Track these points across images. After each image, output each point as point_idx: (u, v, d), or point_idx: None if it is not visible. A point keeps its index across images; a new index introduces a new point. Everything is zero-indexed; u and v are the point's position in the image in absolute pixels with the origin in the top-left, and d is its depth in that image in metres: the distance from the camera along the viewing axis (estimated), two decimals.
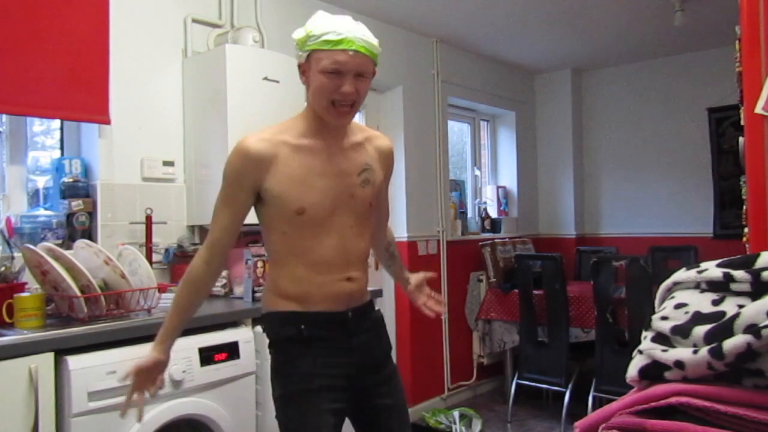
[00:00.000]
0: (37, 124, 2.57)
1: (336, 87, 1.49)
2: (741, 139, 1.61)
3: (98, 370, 1.79)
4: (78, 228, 2.42)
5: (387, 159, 1.74)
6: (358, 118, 2.08)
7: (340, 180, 1.59)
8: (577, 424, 0.94)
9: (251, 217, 2.70)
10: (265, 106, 2.68)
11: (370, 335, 1.68)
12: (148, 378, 1.56)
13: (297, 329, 1.58)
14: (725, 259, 0.98)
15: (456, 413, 3.71)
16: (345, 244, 1.60)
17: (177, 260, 2.67)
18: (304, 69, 1.55)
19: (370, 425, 1.70)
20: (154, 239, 2.60)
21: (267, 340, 1.68)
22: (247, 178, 1.55)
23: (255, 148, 1.54)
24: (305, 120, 1.61)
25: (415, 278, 1.93)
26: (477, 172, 5.04)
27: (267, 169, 1.54)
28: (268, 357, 2.21)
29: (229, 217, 1.60)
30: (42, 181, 2.49)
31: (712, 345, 0.84)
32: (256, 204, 1.61)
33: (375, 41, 1.54)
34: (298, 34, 1.54)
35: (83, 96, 2.40)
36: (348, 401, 1.62)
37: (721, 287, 0.94)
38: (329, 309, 1.59)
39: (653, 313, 1.00)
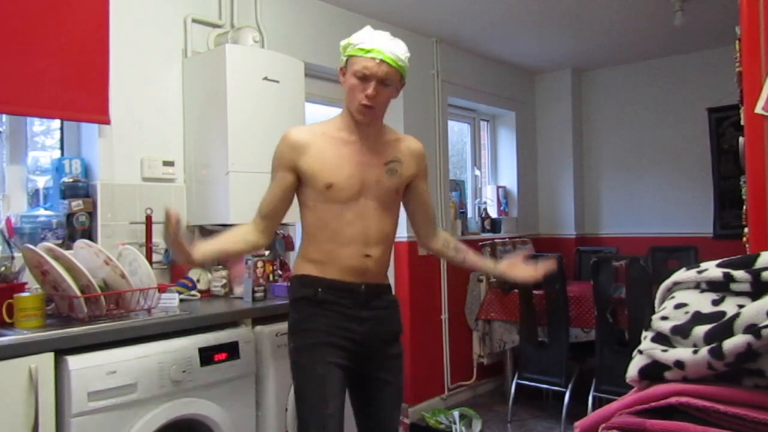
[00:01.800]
0: (37, 124, 2.57)
1: (362, 89, 1.75)
2: (741, 139, 1.61)
3: (98, 370, 1.79)
4: (78, 228, 2.42)
5: (418, 158, 1.98)
6: None
7: (368, 168, 1.84)
8: (577, 424, 0.94)
9: (248, 218, 2.69)
10: (265, 106, 2.68)
11: (381, 313, 1.88)
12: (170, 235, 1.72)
13: (314, 291, 1.82)
14: (725, 259, 0.97)
15: (456, 413, 3.71)
16: (367, 224, 1.83)
17: None
18: (343, 72, 1.82)
19: (364, 394, 1.90)
20: (154, 239, 2.60)
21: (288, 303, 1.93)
22: (285, 158, 1.84)
23: (294, 135, 1.86)
24: (342, 118, 1.88)
25: (507, 262, 2.04)
26: (477, 172, 5.04)
27: (302, 152, 1.82)
28: (268, 357, 2.24)
29: (275, 189, 1.87)
30: (42, 181, 2.49)
31: (712, 345, 0.84)
32: (298, 186, 1.87)
33: (404, 56, 1.78)
34: (343, 41, 1.81)
35: (83, 96, 2.40)
36: (352, 365, 1.83)
37: (721, 287, 0.94)
38: (345, 279, 1.82)
39: (653, 313, 1.00)
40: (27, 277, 2.11)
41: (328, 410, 1.75)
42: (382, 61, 1.73)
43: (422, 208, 2.04)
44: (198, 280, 2.63)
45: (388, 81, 1.77)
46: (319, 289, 1.82)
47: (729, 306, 0.91)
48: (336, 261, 1.82)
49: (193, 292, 2.56)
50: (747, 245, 1.59)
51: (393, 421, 1.92)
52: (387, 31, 1.80)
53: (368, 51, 1.73)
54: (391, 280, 3.73)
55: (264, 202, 1.89)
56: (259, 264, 2.46)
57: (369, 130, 1.86)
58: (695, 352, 0.86)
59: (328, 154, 1.82)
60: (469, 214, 4.81)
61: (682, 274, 1.01)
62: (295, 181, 1.85)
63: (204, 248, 1.80)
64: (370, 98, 1.75)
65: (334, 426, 1.76)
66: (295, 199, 1.91)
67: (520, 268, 1.98)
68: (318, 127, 1.89)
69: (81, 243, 2.19)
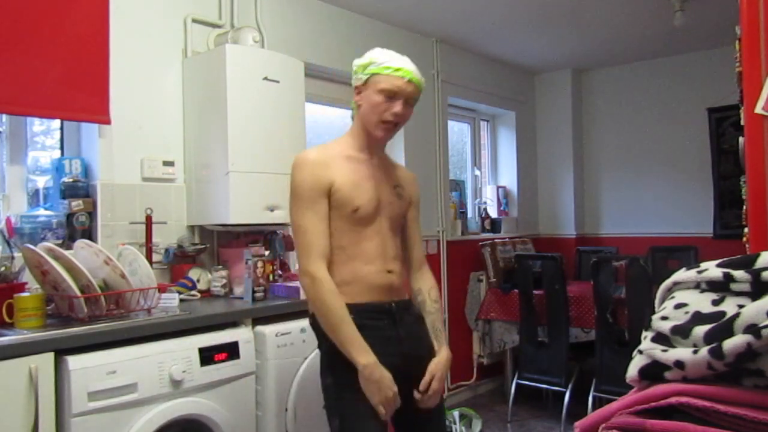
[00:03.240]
0: (37, 124, 2.57)
1: (388, 107, 1.75)
2: (741, 139, 1.61)
3: (98, 370, 1.79)
4: (78, 228, 2.42)
5: (412, 185, 1.98)
6: None
7: (382, 187, 1.83)
8: (577, 424, 0.94)
9: (251, 218, 2.69)
10: (265, 106, 2.68)
11: (413, 328, 1.84)
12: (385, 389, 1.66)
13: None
14: (725, 259, 0.97)
15: (456, 413, 3.71)
16: (384, 241, 1.81)
17: (177, 260, 2.67)
18: (360, 90, 1.81)
19: (407, 422, 1.82)
20: (154, 239, 2.60)
21: (315, 335, 1.80)
22: (320, 182, 1.73)
23: (314, 155, 1.78)
24: (352, 137, 1.86)
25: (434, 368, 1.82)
26: (477, 172, 5.04)
27: (332, 170, 1.75)
28: (268, 357, 2.23)
29: (319, 224, 1.73)
30: (42, 181, 2.49)
31: (712, 345, 0.84)
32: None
33: (422, 77, 1.81)
34: (361, 60, 1.80)
35: (83, 96, 2.40)
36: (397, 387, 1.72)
37: (721, 287, 0.94)
38: (375, 300, 1.76)
39: (653, 313, 1.00)
40: (27, 277, 2.11)
41: None
42: (410, 80, 1.75)
43: (410, 242, 1.95)
44: (198, 280, 2.63)
45: (412, 101, 1.80)
46: (353, 316, 1.67)
47: (729, 306, 0.91)
48: (362, 280, 1.75)
49: (193, 292, 2.56)
50: (747, 245, 1.59)
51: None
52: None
53: (397, 70, 1.74)
54: None
55: (317, 244, 1.70)
56: (259, 264, 2.46)
57: (378, 151, 1.87)
58: (695, 352, 0.86)
59: (349, 175, 1.77)
60: (469, 214, 4.81)
61: (682, 274, 1.01)
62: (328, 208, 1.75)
63: (365, 346, 1.66)
64: (398, 116, 1.76)
65: None
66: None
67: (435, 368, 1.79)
68: (327, 149, 1.82)
69: (81, 243, 2.19)
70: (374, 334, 1.70)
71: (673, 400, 0.84)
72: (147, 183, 2.65)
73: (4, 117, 2.39)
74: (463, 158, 5.01)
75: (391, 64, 1.75)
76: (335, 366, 1.70)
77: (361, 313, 1.71)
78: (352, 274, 1.75)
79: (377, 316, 1.75)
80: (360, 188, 1.76)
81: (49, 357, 1.74)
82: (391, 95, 1.75)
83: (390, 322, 1.77)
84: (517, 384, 3.92)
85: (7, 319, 1.90)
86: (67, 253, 2.01)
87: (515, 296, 3.98)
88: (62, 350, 1.77)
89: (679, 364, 0.87)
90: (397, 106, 1.75)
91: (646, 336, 0.96)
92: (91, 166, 2.54)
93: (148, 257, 2.51)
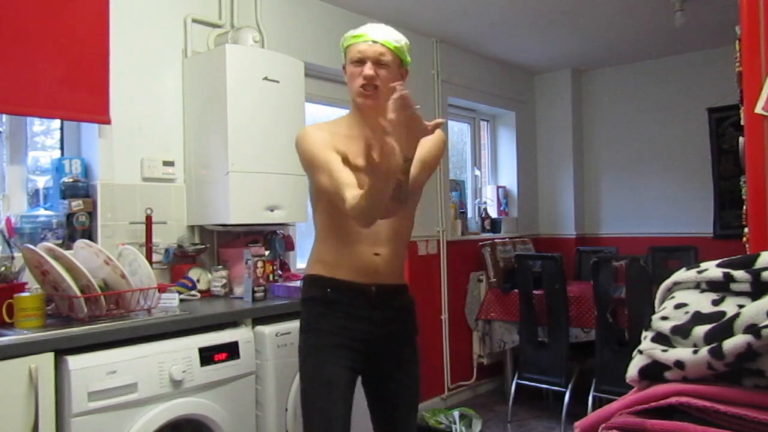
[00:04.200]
0: (37, 124, 2.57)
1: (360, 72, 1.76)
2: (741, 139, 1.61)
3: (98, 370, 1.79)
4: (78, 228, 2.42)
5: (427, 148, 1.83)
6: None
7: None
8: (577, 424, 0.94)
9: (251, 218, 2.69)
10: (265, 106, 2.68)
11: (394, 315, 1.84)
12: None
13: (323, 291, 1.80)
14: (725, 259, 0.97)
15: (456, 413, 3.71)
16: (377, 222, 1.72)
17: (177, 260, 2.67)
18: (344, 66, 1.83)
19: (380, 397, 1.87)
20: (154, 239, 2.60)
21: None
22: (327, 140, 1.75)
23: (315, 128, 1.82)
24: (351, 116, 1.87)
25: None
26: (477, 172, 5.04)
27: (334, 141, 1.75)
28: (268, 357, 2.24)
29: (337, 161, 1.65)
30: (42, 181, 2.49)
31: (712, 345, 0.84)
32: (311, 180, 1.80)
33: (397, 37, 1.79)
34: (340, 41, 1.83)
35: (83, 96, 2.40)
36: (364, 367, 1.80)
37: (721, 287, 0.94)
38: (354, 279, 1.78)
39: (653, 313, 1.00)
40: (27, 277, 2.11)
41: (334, 413, 1.72)
42: (374, 41, 1.75)
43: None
44: (198, 280, 2.63)
45: (384, 60, 1.76)
46: (328, 290, 1.79)
47: (729, 306, 0.91)
48: (346, 260, 1.78)
49: (193, 292, 2.56)
50: (747, 245, 1.59)
51: (410, 427, 1.88)
52: None
53: (360, 36, 1.77)
54: None
55: (342, 177, 1.62)
56: (259, 264, 2.46)
57: (372, 127, 1.78)
58: (695, 352, 0.86)
59: (343, 151, 1.70)
60: (469, 214, 4.81)
61: (682, 274, 1.01)
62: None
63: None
64: (367, 78, 1.74)
65: (339, 429, 1.72)
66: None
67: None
68: (325, 126, 1.85)
69: (81, 243, 2.19)
70: (346, 310, 1.77)
71: (673, 400, 0.84)
72: (147, 183, 2.65)
73: (4, 117, 2.39)
74: (463, 158, 5.01)
75: (354, 32, 1.79)
76: (305, 329, 1.81)
77: (337, 289, 1.78)
78: (337, 252, 1.79)
79: (352, 295, 1.78)
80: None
81: (49, 357, 1.74)
82: (359, 61, 1.76)
83: (364, 303, 1.78)
84: (517, 384, 3.92)
85: (7, 319, 1.90)
86: (67, 253, 2.01)
87: (515, 296, 3.98)
88: (62, 350, 1.77)
89: (679, 364, 0.87)
90: (366, 69, 1.74)
91: (646, 336, 0.96)
92: (91, 166, 2.54)
93: (148, 257, 2.51)
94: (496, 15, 3.83)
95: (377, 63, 1.75)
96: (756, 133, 1.53)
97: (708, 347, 0.84)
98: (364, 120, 1.80)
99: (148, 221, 2.58)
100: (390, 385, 1.86)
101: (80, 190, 2.49)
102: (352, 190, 1.61)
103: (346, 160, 1.55)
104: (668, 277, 1.04)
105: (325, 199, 1.77)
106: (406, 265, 1.98)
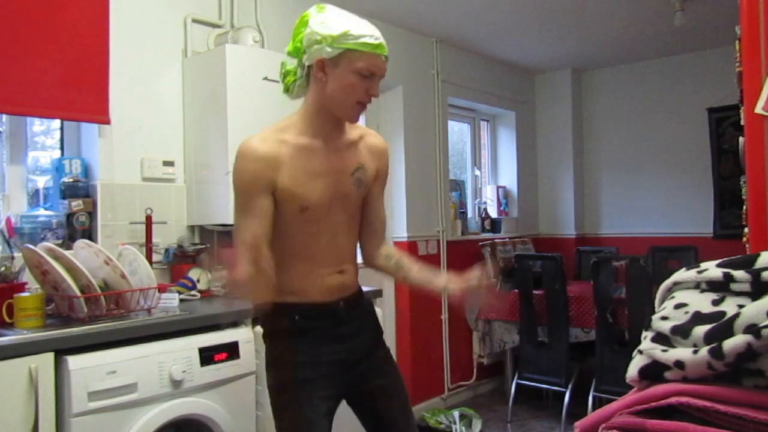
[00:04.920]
0: (37, 124, 2.57)
1: (365, 89, 1.54)
2: (741, 139, 1.61)
3: (98, 370, 1.79)
4: (78, 228, 2.42)
5: (380, 157, 1.74)
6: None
7: (336, 179, 1.61)
8: (577, 424, 0.94)
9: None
10: (265, 106, 2.68)
11: (361, 323, 1.72)
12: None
13: (291, 320, 1.61)
14: (725, 259, 0.97)
15: (456, 413, 3.71)
16: (338, 240, 1.65)
17: (177, 260, 2.67)
18: (324, 65, 1.53)
19: (370, 409, 1.73)
20: (154, 239, 2.60)
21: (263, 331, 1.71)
22: (263, 178, 1.53)
23: (262, 148, 1.54)
24: (303, 119, 1.62)
25: (459, 281, 1.67)
26: (477, 172, 5.04)
27: (278, 167, 1.53)
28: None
29: (256, 226, 1.52)
30: (42, 181, 2.49)
31: (712, 345, 0.84)
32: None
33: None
34: (326, 29, 1.52)
35: (83, 96, 2.40)
36: (344, 388, 1.66)
37: (721, 287, 0.94)
38: (321, 300, 1.63)
39: (653, 313, 1.00)
40: (27, 277, 2.12)
41: None
42: (386, 58, 1.56)
43: (374, 218, 1.76)
44: (198, 280, 2.63)
45: (383, 77, 1.61)
46: (296, 317, 1.61)
47: (729, 306, 0.91)
48: (312, 283, 1.62)
49: (193, 292, 2.56)
50: (747, 245, 1.59)
51: (410, 427, 1.75)
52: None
53: (375, 47, 1.52)
54: (390, 282, 3.75)
55: (257, 236, 1.51)
56: None
57: (334, 130, 1.62)
58: (695, 352, 0.86)
59: (298, 170, 1.55)
60: (469, 214, 4.81)
61: (682, 274, 1.01)
62: (273, 206, 1.55)
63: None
64: (374, 97, 1.58)
65: None
66: None
67: (461, 279, 1.64)
68: (276, 134, 1.58)
69: (81, 243, 2.19)
70: (319, 335, 1.63)
71: (673, 400, 0.84)
72: (147, 183, 2.65)
73: (4, 117, 2.39)
74: (463, 158, 5.01)
75: (369, 40, 1.52)
76: (274, 365, 1.65)
77: (306, 316, 1.62)
78: (303, 279, 1.62)
79: (321, 316, 1.63)
80: (309, 186, 1.56)
81: (49, 357, 1.74)
82: (368, 74, 1.53)
83: (334, 323, 1.65)
84: (517, 384, 3.92)
85: (7, 319, 1.91)
86: (67, 253, 2.01)
87: (515, 296, 3.98)
88: (62, 350, 1.77)
89: (679, 364, 0.87)
90: (375, 88, 1.56)
91: (646, 336, 0.96)
92: (91, 166, 2.54)
93: (148, 257, 2.51)
94: (496, 15, 3.83)
95: (379, 80, 1.59)
96: (756, 133, 1.53)
97: (708, 347, 0.84)
98: (326, 129, 1.61)
99: (148, 221, 2.58)
100: (378, 392, 1.72)
101: (80, 190, 2.49)
102: (253, 254, 1.47)
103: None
104: (668, 277, 1.04)
105: (287, 221, 1.58)
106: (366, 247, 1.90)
